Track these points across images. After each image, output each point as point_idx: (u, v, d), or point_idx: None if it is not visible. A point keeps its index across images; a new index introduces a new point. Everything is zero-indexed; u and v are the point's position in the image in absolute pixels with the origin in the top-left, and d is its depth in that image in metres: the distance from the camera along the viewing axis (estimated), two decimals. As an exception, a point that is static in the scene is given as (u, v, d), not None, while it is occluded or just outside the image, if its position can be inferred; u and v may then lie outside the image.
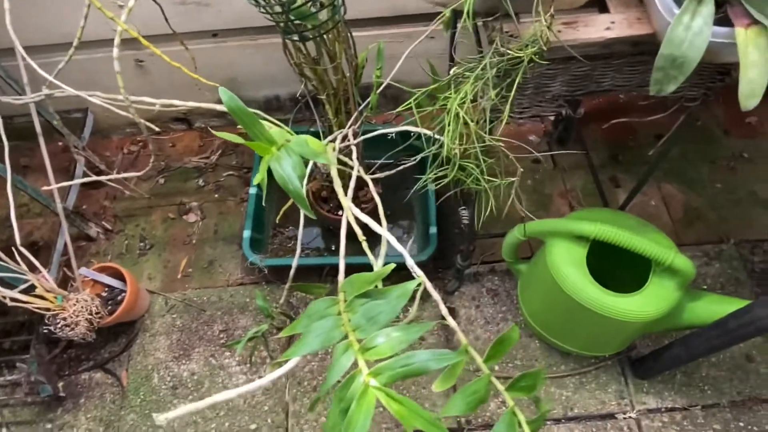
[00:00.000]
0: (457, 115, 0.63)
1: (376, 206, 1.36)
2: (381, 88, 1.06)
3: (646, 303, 0.97)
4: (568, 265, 1.02)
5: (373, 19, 1.40)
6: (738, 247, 1.43)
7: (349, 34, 1.04)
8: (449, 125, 0.63)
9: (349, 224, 0.69)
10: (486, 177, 0.66)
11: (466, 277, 1.41)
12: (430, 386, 1.23)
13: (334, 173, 0.91)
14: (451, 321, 0.73)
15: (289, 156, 0.75)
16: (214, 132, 0.65)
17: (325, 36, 0.98)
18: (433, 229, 1.34)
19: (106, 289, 1.35)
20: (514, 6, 0.64)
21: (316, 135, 1.28)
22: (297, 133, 0.70)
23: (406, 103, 0.73)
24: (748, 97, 0.54)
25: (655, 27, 0.65)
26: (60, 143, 1.61)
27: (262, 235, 1.44)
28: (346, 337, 0.67)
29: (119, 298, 1.32)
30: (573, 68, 0.72)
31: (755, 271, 1.40)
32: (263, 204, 1.46)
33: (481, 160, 0.64)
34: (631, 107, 1.63)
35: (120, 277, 1.33)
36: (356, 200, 1.32)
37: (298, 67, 1.07)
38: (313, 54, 1.03)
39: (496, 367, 1.28)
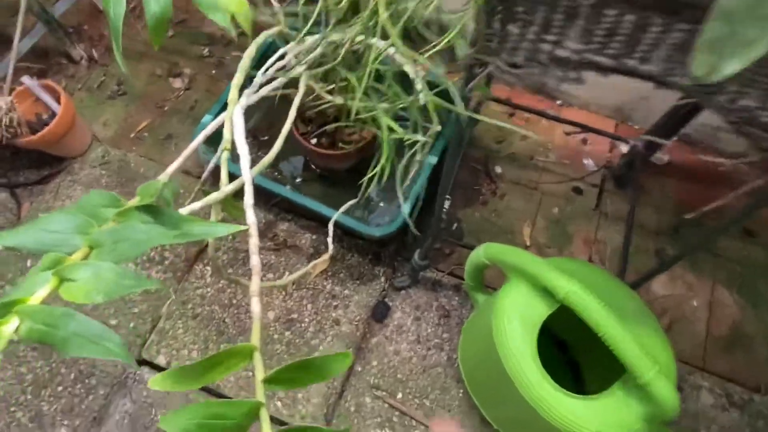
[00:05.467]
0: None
1: (358, 150, 1.11)
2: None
3: (590, 417, 0.67)
4: (516, 318, 0.73)
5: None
6: (775, 407, 1.06)
7: None
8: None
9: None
10: (390, 123, 0.39)
11: (423, 280, 1.14)
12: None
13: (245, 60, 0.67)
14: (253, 236, 0.49)
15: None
16: None
17: None
18: (406, 208, 1.07)
19: (49, 112, 1.20)
20: None
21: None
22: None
23: None
24: None
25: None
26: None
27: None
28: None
29: (56, 125, 1.17)
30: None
31: (783, 446, 1.03)
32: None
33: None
34: (732, 181, 1.25)
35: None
36: (336, 139, 1.07)
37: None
38: None
39: (399, 395, 1.02)
